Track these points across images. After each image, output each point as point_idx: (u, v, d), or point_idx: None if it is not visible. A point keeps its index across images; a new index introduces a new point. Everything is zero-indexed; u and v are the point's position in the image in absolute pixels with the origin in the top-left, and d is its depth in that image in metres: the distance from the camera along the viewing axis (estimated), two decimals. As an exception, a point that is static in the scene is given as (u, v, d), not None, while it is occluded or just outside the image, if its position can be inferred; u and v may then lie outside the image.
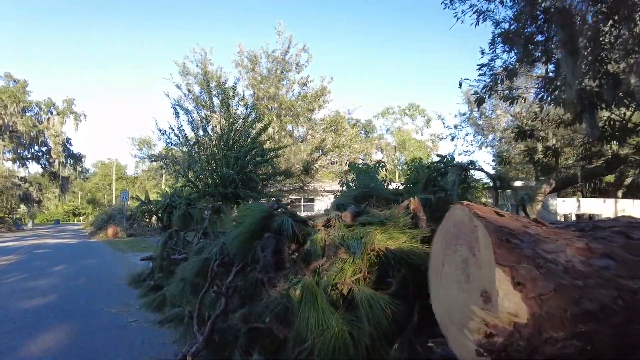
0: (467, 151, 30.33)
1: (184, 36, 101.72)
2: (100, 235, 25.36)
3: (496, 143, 31.63)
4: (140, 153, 58.92)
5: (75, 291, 7.52)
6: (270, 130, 19.68)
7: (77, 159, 49.19)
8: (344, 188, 9.68)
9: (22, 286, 8.00)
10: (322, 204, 33.25)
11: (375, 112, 60.73)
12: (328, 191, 25.82)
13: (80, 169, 53.25)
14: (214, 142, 17.33)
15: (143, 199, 29.25)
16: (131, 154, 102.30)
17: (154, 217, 28.38)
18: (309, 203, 31.24)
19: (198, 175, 17.09)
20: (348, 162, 12.90)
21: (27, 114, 42.37)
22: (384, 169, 9.48)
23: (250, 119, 17.79)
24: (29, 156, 45.32)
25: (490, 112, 31.00)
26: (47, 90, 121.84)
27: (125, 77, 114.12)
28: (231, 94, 17.59)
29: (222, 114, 17.71)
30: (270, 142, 19.75)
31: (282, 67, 21.87)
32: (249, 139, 17.66)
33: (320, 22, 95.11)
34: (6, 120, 39.18)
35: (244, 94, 18.54)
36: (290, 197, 30.43)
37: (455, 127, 35.06)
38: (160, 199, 29.33)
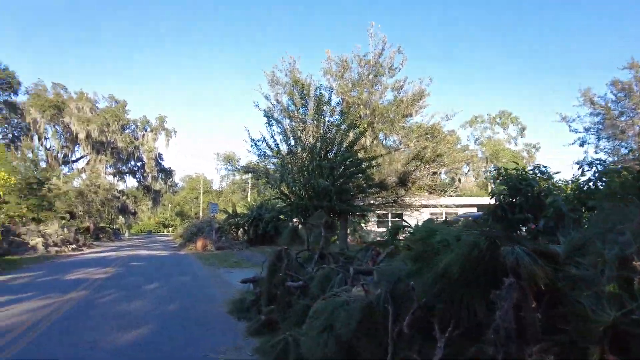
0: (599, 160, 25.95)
1: (272, 49, 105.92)
2: (189, 248, 25.45)
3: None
4: (226, 168, 60.88)
5: (172, 322, 6.31)
6: (362, 139, 18.03)
7: (168, 173, 51.89)
8: (492, 200, 7.67)
9: (115, 311, 7.02)
10: (412, 220, 30.82)
11: (461, 121, 56.57)
12: (424, 206, 23.41)
13: (170, 183, 56.33)
14: (306, 152, 16.09)
15: (230, 211, 29.18)
16: (216, 169, 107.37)
17: (241, 230, 28.09)
18: (396, 219, 29.03)
19: (291, 187, 15.88)
20: (496, 169, 10.72)
21: (126, 132, 45.49)
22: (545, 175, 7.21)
23: (343, 126, 16.33)
24: (126, 170, 48.62)
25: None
26: (143, 107, 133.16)
27: (213, 94, 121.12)
28: (326, 97, 16.29)
29: (313, 122, 16.48)
30: (363, 152, 18.07)
31: (376, 71, 20.22)
32: (341, 149, 16.19)
33: (395, 25, 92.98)
34: (108, 137, 42.26)
35: (330, 99, 17.04)
36: (377, 212, 28.48)
37: (587, 130, 30.71)
38: (246, 211, 29.11)
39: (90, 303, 7.70)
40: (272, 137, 16.58)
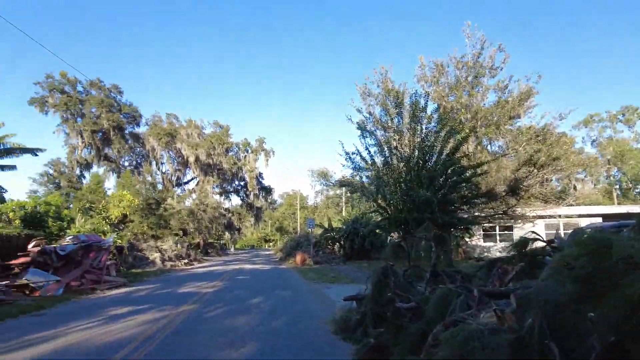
0: None
1: (363, 62, 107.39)
2: (289, 262, 26.00)
3: None
4: (320, 183, 62.18)
5: (277, 340, 6.09)
6: (464, 145, 16.70)
7: (268, 191, 54.51)
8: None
9: (222, 326, 7.07)
10: (522, 232, 27.84)
11: (573, 121, 50.39)
12: (539, 217, 20.90)
13: (270, 200, 59.21)
14: (402, 163, 15.37)
15: (326, 226, 29.31)
16: (311, 185, 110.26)
17: (337, 245, 27.99)
18: (505, 232, 26.43)
19: (388, 199, 15.24)
20: None
21: (229, 154, 48.96)
22: None
23: (442, 133, 15.29)
24: (231, 190, 52.16)
25: None
26: (243, 128, 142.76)
27: (306, 112, 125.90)
28: (421, 104, 15.46)
29: (409, 131, 15.72)
30: (466, 160, 16.72)
31: (475, 72, 18.80)
32: (442, 157, 15.14)
33: (492, 23, 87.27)
34: (214, 160, 45.84)
35: (426, 105, 16.05)
36: (483, 224, 26.20)
37: None
38: (342, 226, 28.98)
39: (199, 317, 7.92)
40: (367, 149, 16.21)
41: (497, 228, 27.95)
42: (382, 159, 15.79)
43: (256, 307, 9.08)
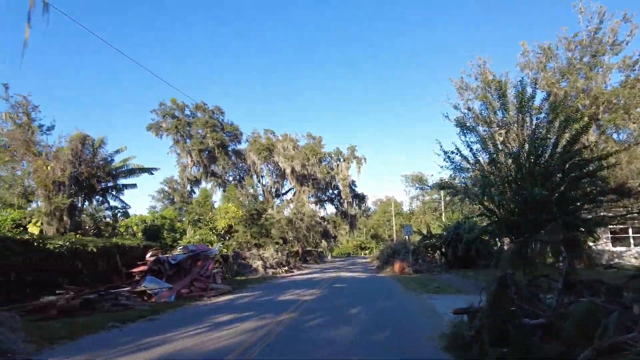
0: None
1: (455, 58, 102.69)
2: (387, 270, 25.21)
3: None
4: (416, 187, 60.19)
5: (382, 355, 5.61)
6: (583, 136, 14.48)
7: (361, 198, 54.25)
8: None
9: (322, 337, 6.80)
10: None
11: None
12: (690, 215, 17.32)
13: (363, 208, 58.81)
14: (510, 159, 13.81)
15: (425, 233, 27.94)
16: (405, 190, 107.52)
17: (437, 252, 26.46)
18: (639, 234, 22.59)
19: (496, 201, 13.77)
20: None
21: (323, 164, 49.83)
22: None
23: (555, 123, 13.43)
24: (325, 198, 52.97)
25: None
26: (336, 137, 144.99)
27: (396, 117, 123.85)
28: (528, 93, 13.79)
29: (516, 124, 14.11)
30: (587, 152, 14.50)
31: (593, 51, 16.31)
32: (557, 150, 13.27)
33: None
34: (309, 170, 46.99)
35: (535, 93, 14.22)
36: (612, 225, 22.60)
37: None
38: (442, 232, 27.34)
39: (299, 326, 7.77)
40: (468, 146, 14.91)
41: (631, 230, 23.99)
42: (487, 156, 14.38)
43: (356, 318, 8.68)
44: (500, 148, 14.02)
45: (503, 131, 14.50)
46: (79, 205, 19.24)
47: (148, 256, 14.44)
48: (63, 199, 16.19)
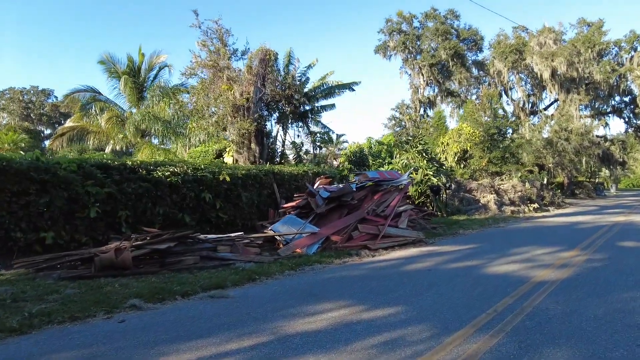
0: None
1: None
2: None
3: None
4: None
5: None
6: None
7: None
8: None
9: None
10: None
11: None
12: None
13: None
14: None
15: None
16: None
17: None
18: None
19: None
20: None
21: (604, 59, 35.09)
22: None
23: None
24: (608, 110, 38.20)
25: None
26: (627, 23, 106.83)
27: None
28: None
29: None
30: None
31: None
32: None
33: None
34: (580, 71, 33.86)
35: None
36: None
37: None
38: None
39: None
40: None
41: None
42: None
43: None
44: None
45: None
46: (272, 131, 17.81)
47: (316, 185, 11.08)
48: (243, 124, 14.53)
